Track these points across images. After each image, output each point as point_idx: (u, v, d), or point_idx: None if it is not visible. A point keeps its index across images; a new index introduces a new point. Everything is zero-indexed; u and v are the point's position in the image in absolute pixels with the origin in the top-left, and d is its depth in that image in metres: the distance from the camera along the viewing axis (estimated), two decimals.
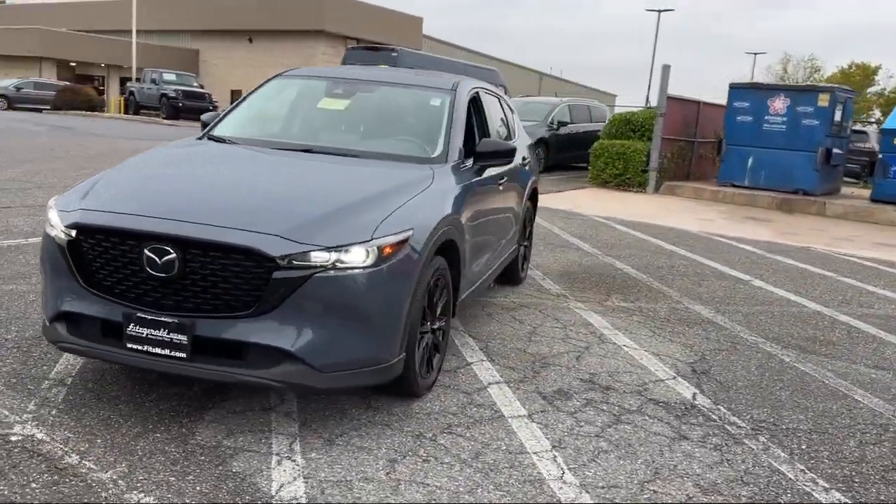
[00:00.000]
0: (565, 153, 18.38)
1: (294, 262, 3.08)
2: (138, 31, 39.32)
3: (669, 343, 5.15)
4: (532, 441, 3.47)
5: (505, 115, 6.09)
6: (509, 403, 3.88)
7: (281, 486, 2.93)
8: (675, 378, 4.47)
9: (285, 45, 41.94)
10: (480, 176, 4.56)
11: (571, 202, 12.67)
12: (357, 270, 3.18)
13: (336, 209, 3.37)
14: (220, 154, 4.22)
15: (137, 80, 32.78)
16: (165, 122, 30.24)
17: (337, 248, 3.16)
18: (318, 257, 3.11)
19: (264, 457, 3.15)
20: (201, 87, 33.55)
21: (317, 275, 3.11)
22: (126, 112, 33.64)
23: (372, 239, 3.23)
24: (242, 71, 43.32)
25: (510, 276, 6.30)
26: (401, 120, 4.79)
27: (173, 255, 3.09)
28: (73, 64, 43.56)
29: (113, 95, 40.48)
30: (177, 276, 3.10)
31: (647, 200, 14.00)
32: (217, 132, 4.63)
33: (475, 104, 5.16)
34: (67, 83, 34.78)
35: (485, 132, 5.23)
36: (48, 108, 32.50)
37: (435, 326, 3.95)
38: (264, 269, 3.08)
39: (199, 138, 4.56)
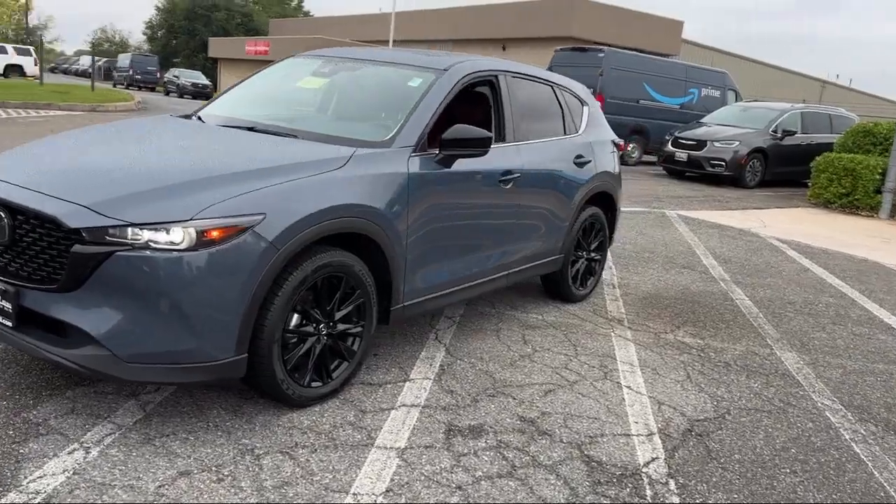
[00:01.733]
0: (788, 167, 16.11)
1: (94, 236, 2.83)
2: (402, 41, 41.99)
3: (694, 393, 4.10)
4: (369, 480, 2.88)
5: (563, 108, 5.31)
6: (396, 432, 3.29)
7: (40, 477, 2.71)
8: (648, 436, 3.51)
9: (536, 51, 42.07)
10: (447, 167, 3.95)
11: (759, 220, 11.00)
12: (167, 253, 2.85)
13: (180, 184, 3.06)
14: (161, 129, 4.10)
15: None
16: None
17: (150, 226, 2.85)
18: (119, 233, 2.83)
19: (63, 444, 2.96)
20: None
21: (118, 253, 2.83)
22: None
23: (192, 220, 2.88)
24: None
25: (557, 290, 5.50)
26: (369, 100, 4.35)
27: (4, 221, 3.00)
28: None
29: None
30: (7, 241, 3.01)
31: (870, 227, 11.72)
32: (205, 109, 4.54)
33: (485, 89, 4.53)
34: None
35: (500, 121, 4.57)
36: None
37: (337, 331, 3.47)
38: (68, 241, 2.87)
39: (188, 115, 4.50)
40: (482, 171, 4.28)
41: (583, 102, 5.63)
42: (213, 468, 2.87)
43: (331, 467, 2.95)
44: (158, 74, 48.20)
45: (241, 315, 3.00)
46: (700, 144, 15.80)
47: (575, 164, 5.23)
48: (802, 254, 8.65)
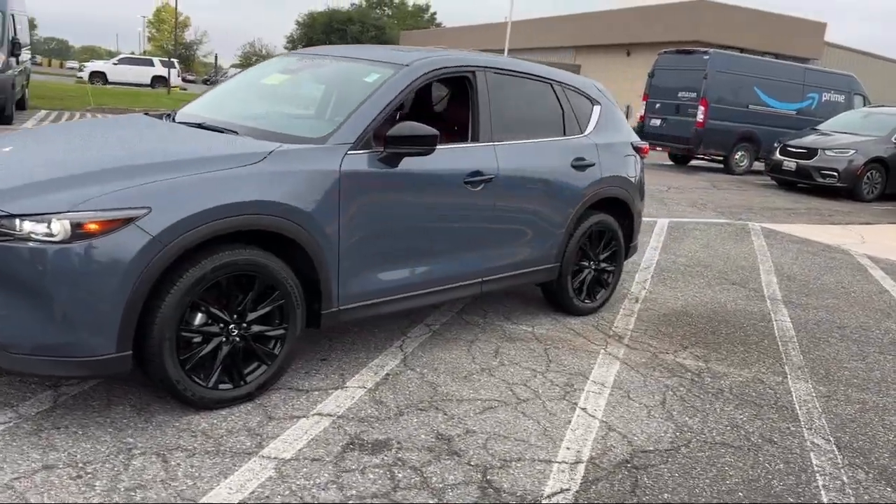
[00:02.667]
0: None
1: None
2: (523, 49, 41.80)
3: (659, 420, 3.67)
4: (226, 491, 2.76)
5: (563, 108, 4.96)
6: (290, 442, 3.13)
7: None
8: (573, 465, 3.16)
9: None
10: (393, 166, 3.76)
11: (858, 236, 9.96)
12: (45, 245, 2.85)
13: (74, 176, 3.07)
14: (112, 127, 4.15)
15: None
16: None
17: (31, 217, 2.86)
18: (7, 224, 2.86)
19: None
20: None
21: (1, 243, 2.85)
22: None
23: (69, 212, 2.86)
24: (618, 84, 43.28)
25: (557, 301, 5.15)
26: (321, 96, 4.20)
27: None
28: None
29: None
30: None
31: None
32: (184, 108, 4.59)
33: (460, 86, 4.30)
34: None
35: (475, 120, 4.32)
36: None
37: (251, 332, 3.37)
38: None
39: (160, 115, 4.54)
40: (442, 171, 4.05)
41: (593, 101, 5.24)
42: (80, 465, 2.83)
43: (197, 474, 2.84)
44: None
45: (122, 311, 2.95)
46: (810, 153, 14.56)
47: (573, 166, 4.87)
48: (890, 275, 7.71)
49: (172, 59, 43.17)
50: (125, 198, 2.96)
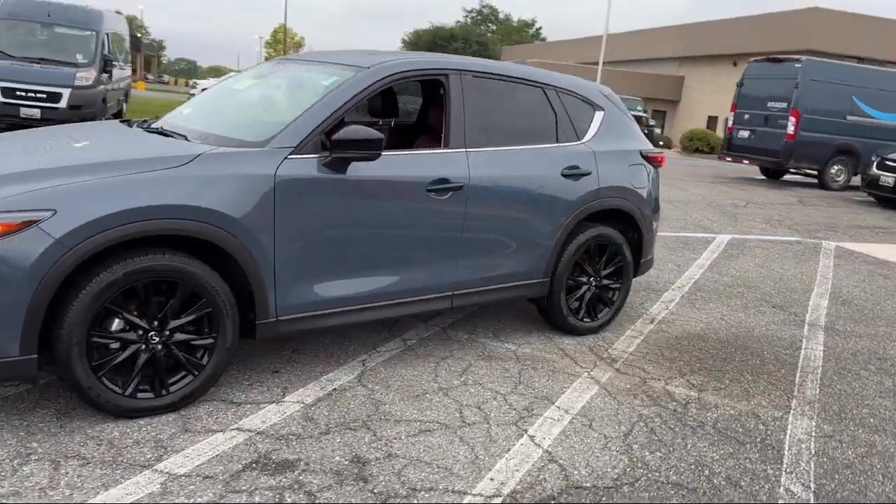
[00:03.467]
0: None
1: None
2: (625, 61, 40.90)
3: (614, 454, 3.32)
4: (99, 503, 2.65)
5: (556, 113, 4.66)
6: (193, 457, 3.01)
7: None
8: (489, 497, 2.88)
9: None
10: (341, 172, 3.60)
11: None
12: None
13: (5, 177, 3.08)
14: (75, 133, 4.14)
15: None
16: None
17: None
18: None
19: None
20: (645, 111, 33.12)
21: None
22: None
23: None
24: (721, 96, 41.59)
25: (550, 319, 4.83)
26: (280, 100, 4.09)
27: None
28: None
29: None
30: None
31: None
32: (166, 115, 4.60)
33: (432, 90, 4.09)
34: None
35: (446, 125, 4.11)
36: None
37: (173, 340, 3.28)
38: None
39: (130, 122, 4.53)
40: (400, 178, 3.86)
41: (595, 107, 4.90)
42: None
43: (80, 484, 2.75)
44: None
45: (25, 313, 2.91)
46: None
47: (564, 175, 4.55)
48: None
49: None
50: (29, 200, 2.93)
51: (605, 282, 4.97)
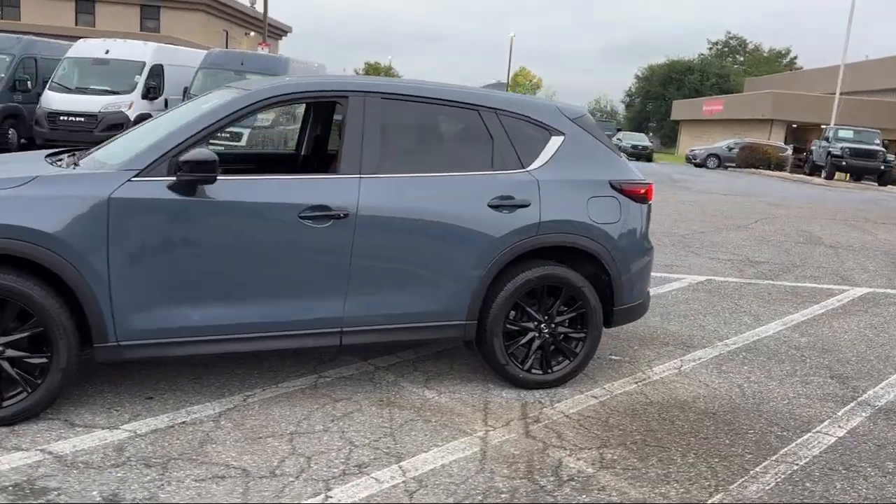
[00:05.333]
0: None
1: None
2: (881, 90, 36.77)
3: None
4: None
5: (494, 138, 4.18)
6: None
7: None
8: None
9: None
10: (187, 195, 3.51)
11: None
12: None
13: None
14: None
15: (825, 138, 30.45)
16: (817, 181, 27.44)
17: None
18: None
19: None
20: (884, 144, 28.97)
21: None
22: (803, 171, 31.88)
23: None
24: None
25: (490, 366, 4.30)
26: (164, 125, 4.01)
27: None
28: (795, 125, 43.40)
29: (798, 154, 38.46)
30: None
31: None
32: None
33: (333, 113, 3.87)
34: (755, 143, 34.92)
35: (340, 149, 3.87)
36: (733, 165, 33.55)
37: (5, 356, 3.39)
38: None
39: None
40: (263, 203, 3.68)
41: (551, 131, 4.32)
42: None
43: None
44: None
45: None
46: None
47: (492, 206, 4.05)
48: None
49: None
50: None
51: (563, 330, 4.33)
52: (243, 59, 16.43)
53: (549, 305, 4.28)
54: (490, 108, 4.23)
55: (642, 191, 4.46)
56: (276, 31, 63.26)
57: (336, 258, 3.81)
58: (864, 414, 4.31)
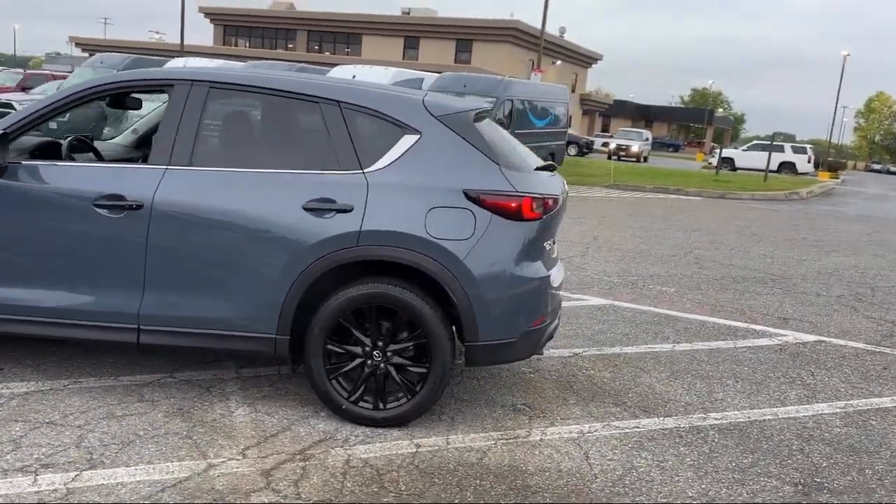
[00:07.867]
0: None
1: None
2: None
3: None
4: None
5: (332, 134, 3.68)
6: None
7: None
8: None
9: None
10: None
11: None
12: None
13: None
14: None
15: None
16: None
17: None
18: None
19: None
20: None
21: None
22: None
23: None
24: None
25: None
26: None
27: None
28: None
29: None
30: None
31: None
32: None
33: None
34: None
35: (156, 139, 3.77)
36: None
37: None
38: None
39: None
40: (57, 189, 3.71)
41: (405, 129, 3.66)
42: None
43: None
44: None
45: None
46: None
47: (307, 209, 3.57)
48: None
49: (805, 146, 41.20)
50: None
51: (399, 360, 3.66)
52: (466, 82, 16.87)
53: (379, 331, 3.65)
54: (333, 100, 3.74)
55: (513, 205, 3.59)
56: (585, 59, 63.98)
57: (131, 251, 3.66)
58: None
